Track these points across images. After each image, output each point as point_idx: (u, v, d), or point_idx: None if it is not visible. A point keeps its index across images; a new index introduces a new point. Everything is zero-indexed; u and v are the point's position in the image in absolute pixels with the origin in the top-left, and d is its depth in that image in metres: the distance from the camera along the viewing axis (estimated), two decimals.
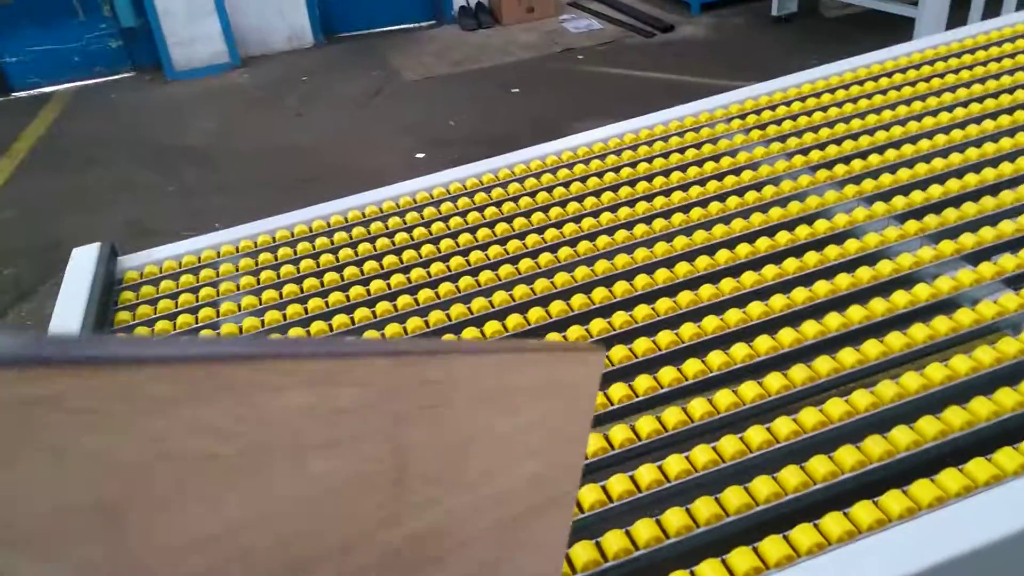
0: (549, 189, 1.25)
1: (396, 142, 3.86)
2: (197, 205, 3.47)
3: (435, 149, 3.72)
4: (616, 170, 1.27)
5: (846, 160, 1.19)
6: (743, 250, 1.01)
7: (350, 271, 1.12)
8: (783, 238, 1.02)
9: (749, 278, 0.96)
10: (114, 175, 3.84)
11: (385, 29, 5.56)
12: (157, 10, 4.88)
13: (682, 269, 1.00)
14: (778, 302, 0.91)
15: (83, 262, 1.21)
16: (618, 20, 5.18)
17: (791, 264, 0.97)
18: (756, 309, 0.90)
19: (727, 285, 0.95)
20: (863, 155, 1.19)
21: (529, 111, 4.02)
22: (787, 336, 0.85)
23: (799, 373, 0.80)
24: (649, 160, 1.28)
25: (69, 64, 5.18)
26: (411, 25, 5.60)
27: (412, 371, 0.21)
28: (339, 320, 1.01)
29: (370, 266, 1.13)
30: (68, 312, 1.07)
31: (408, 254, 1.14)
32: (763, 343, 0.85)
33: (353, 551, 0.20)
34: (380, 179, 3.39)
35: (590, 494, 0.71)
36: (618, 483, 0.71)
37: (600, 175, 1.26)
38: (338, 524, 0.19)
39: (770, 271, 0.96)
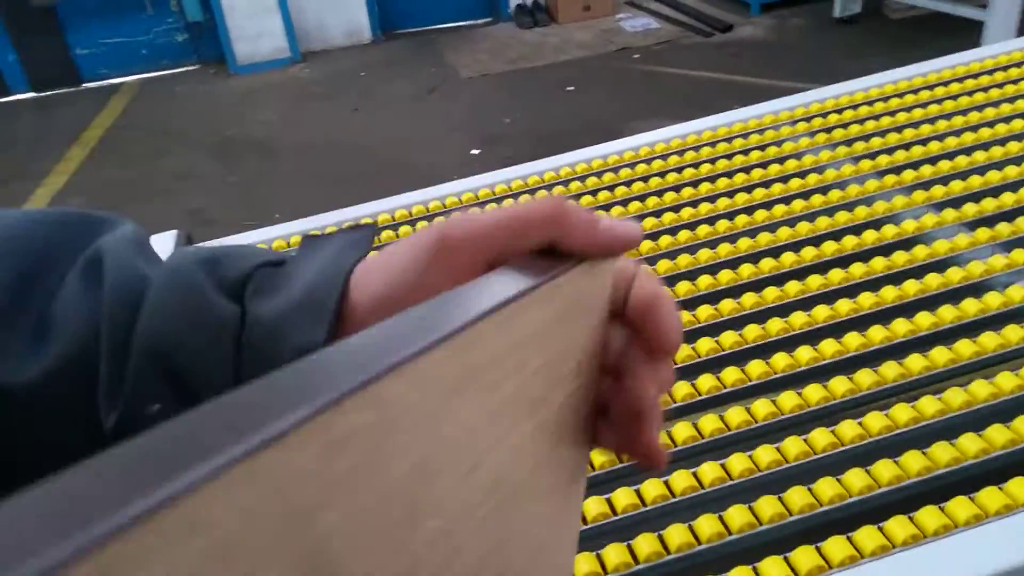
0: (610, 188, 1.26)
1: (451, 138, 3.90)
2: (256, 196, 3.56)
3: (490, 146, 3.75)
4: (678, 171, 1.28)
5: (915, 166, 1.17)
6: (808, 253, 1.01)
7: None
8: (850, 242, 1.02)
9: (815, 281, 0.96)
10: (177, 165, 3.97)
11: (442, 26, 5.62)
12: (222, 5, 5.01)
13: (746, 271, 1.00)
14: (844, 306, 0.91)
15: (161, 249, 1.26)
16: (676, 19, 5.15)
17: (858, 269, 0.97)
18: (822, 312, 0.90)
19: (792, 288, 0.95)
20: (932, 161, 1.17)
21: (584, 110, 4.03)
22: (853, 340, 0.85)
23: (865, 378, 0.80)
24: (712, 161, 1.29)
25: (137, 56, 5.36)
26: (467, 22, 5.64)
27: (328, 437, 0.15)
28: None
29: None
30: None
31: None
32: (829, 347, 0.85)
33: None
34: (434, 174, 3.45)
35: (653, 489, 0.72)
36: (681, 479, 0.73)
37: (662, 175, 1.27)
38: None
39: (836, 275, 0.96)
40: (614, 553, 0.67)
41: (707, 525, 0.68)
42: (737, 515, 0.68)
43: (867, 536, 0.64)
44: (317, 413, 0.14)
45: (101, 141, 4.35)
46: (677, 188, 1.23)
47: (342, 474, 0.15)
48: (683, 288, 0.99)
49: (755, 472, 0.73)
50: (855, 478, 0.69)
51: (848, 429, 0.75)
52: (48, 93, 5.22)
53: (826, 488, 0.69)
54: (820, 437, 0.75)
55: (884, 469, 0.70)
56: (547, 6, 5.48)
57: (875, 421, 0.75)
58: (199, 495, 0.12)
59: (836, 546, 0.64)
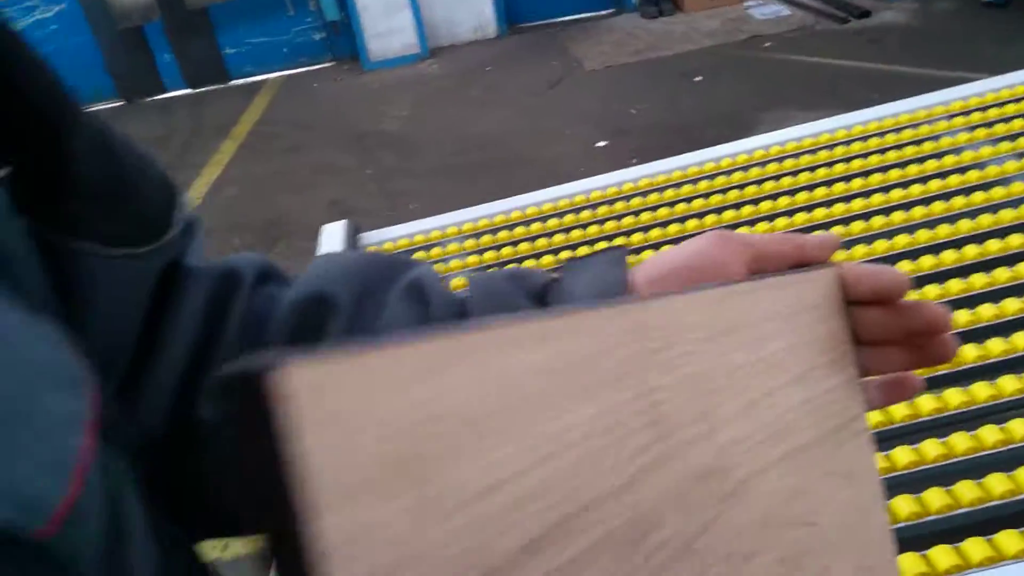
0: (740, 187, 1.28)
1: (576, 131, 3.95)
2: (392, 187, 3.73)
3: (616, 138, 3.78)
4: (829, 165, 1.28)
5: None
6: (971, 251, 1.00)
7: (565, 255, 1.22)
8: (1015, 240, 1.00)
9: (979, 280, 0.95)
10: (317, 158, 4.21)
11: (565, 18, 5.66)
12: (357, 5, 5.25)
13: (905, 267, 1.00)
14: (1012, 305, 0.90)
15: (333, 237, 1.38)
16: (808, 5, 4.98)
17: None
18: (987, 311, 0.90)
19: (955, 286, 0.95)
20: None
21: (712, 100, 3.97)
22: (1021, 339, 0.85)
23: None
24: (864, 156, 1.28)
25: (279, 55, 5.70)
26: (591, 14, 5.66)
27: (634, 318, 0.23)
28: None
29: (583, 251, 1.22)
30: None
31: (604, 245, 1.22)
32: (996, 345, 0.85)
33: (629, 490, 0.20)
34: (560, 167, 3.51)
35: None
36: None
37: (812, 170, 1.28)
38: (607, 469, 0.20)
39: (1002, 274, 0.95)
40: None
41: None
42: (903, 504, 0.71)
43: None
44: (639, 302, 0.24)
45: (249, 135, 4.67)
46: (829, 183, 1.23)
47: (658, 348, 0.23)
48: None
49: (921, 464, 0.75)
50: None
51: (1019, 427, 0.75)
52: (200, 90, 5.64)
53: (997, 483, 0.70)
54: (988, 434, 0.75)
55: None
56: None
57: None
58: (587, 314, 0.20)
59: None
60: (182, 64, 5.66)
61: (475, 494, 0.16)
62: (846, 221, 1.13)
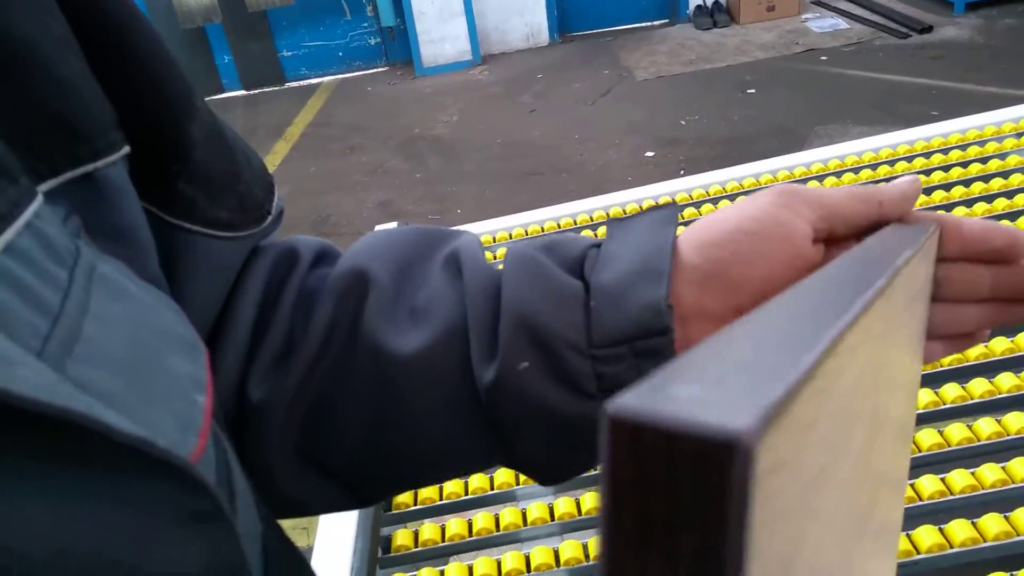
0: None
1: (625, 140, 3.94)
2: (440, 191, 3.76)
3: (664, 148, 3.75)
4: (889, 181, 1.25)
5: None
6: None
7: None
8: None
9: None
10: (368, 159, 4.26)
11: (618, 28, 5.65)
12: (413, 11, 5.32)
13: None
14: None
15: None
16: (868, 19, 4.89)
17: None
18: None
19: None
20: None
21: (765, 113, 3.92)
22: None
23: None
24: (927, 173, 1.25)
25: (334, 58, 5.79)
26: (644, 24, 5.64)
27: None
28: None
29: None
30: None
31: None
32: None
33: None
34: (608, 175, 3.50)
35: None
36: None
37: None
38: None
39: None
40: None
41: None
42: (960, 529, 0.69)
43: None
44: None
45: (302, 136, 4.76)
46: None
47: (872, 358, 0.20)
48: None
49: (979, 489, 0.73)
50: None
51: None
52: (257, 91, 5.76)
53: None
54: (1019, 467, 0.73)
55: None
56: (728, 6, 5.38)
57: None
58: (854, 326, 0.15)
59: None
60: (240, 65, 5.80)
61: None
62: None
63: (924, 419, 0.83)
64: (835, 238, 0.33)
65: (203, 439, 0.23)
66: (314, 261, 0.38)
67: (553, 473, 0.36)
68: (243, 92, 5.78)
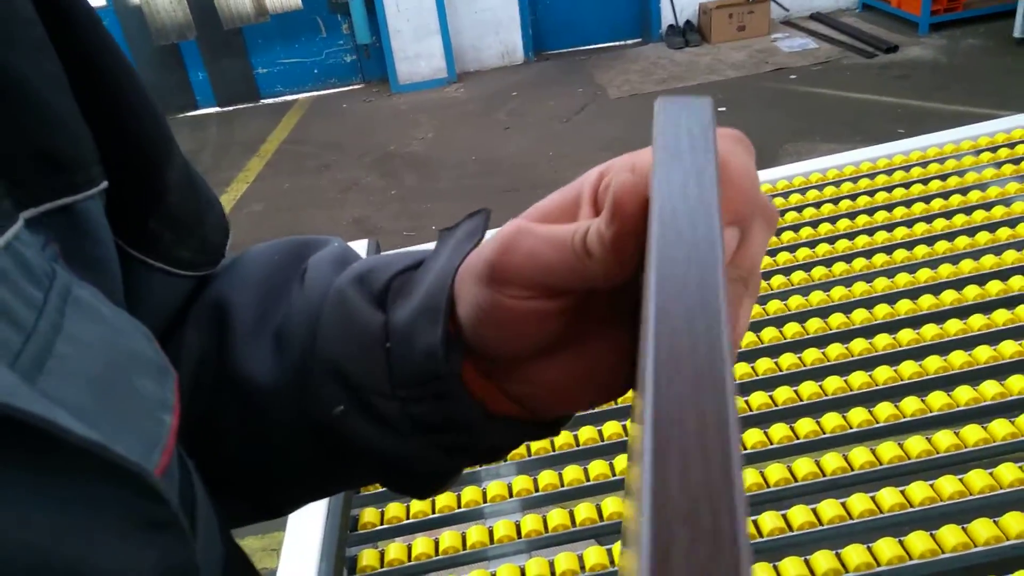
0: (781, 213, 1.28)
1: (599, 157, 3.90)
2: (415, 208, 3.76)
3: None
4: (853, 197, 1.27)
5: None
6: (994, 287, 0.99)
7: None
8: None
9: (1001, 316, 0.94)
10: (343, 177, 4.26)
11: (592, 47, 5.71)
12: (389, 29, 5.33)
13: (926, 302, 0.99)
14: None
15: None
16: (835, 39, 4.99)
17: None
18: (1009, 348, 0.89)
19: (977, 322, 0.94)
20: None
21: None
22: None
23: None
24: (889, 189, 1.27)
25: (309, 75, 5.79)
26: (617, 43, 5.71)
27: None
28: None
29: None
30: None
31: None
32: (1016, 382, 0.84)
33: None
34: None
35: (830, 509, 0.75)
36: (859, 502, 0.75)
37: (836, 202, 1.27)
38: None
39: None
40: None
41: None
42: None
43: None
44: None
45: (276, 153, 4.74)
46: (852, 215, 1.23)
47: None
48: (859, 316, 1.00)
49: (905, 507, 0.74)
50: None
51: (1008, 473, 0.74)
52: (231, 108, 5.74)
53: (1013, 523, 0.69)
54: (977, 479, 0.74)
55: None
56: (699, 26, 5.46)
57: None
58: None
59: None
60: (214, 82, 5.77)
61: None
62: (868, 254, 1.12)
63: (885, 432, 0.84)
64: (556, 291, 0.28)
65: (167, 456, 0.24)
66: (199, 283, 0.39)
67: (416, 491, 0.36)
68: (217, 109, 5.75)
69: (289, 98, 5.73)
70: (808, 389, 0.90)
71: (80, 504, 0.19)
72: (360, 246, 1.43)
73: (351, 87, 5.73)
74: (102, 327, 0.24)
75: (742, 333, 0.26)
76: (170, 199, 0.33)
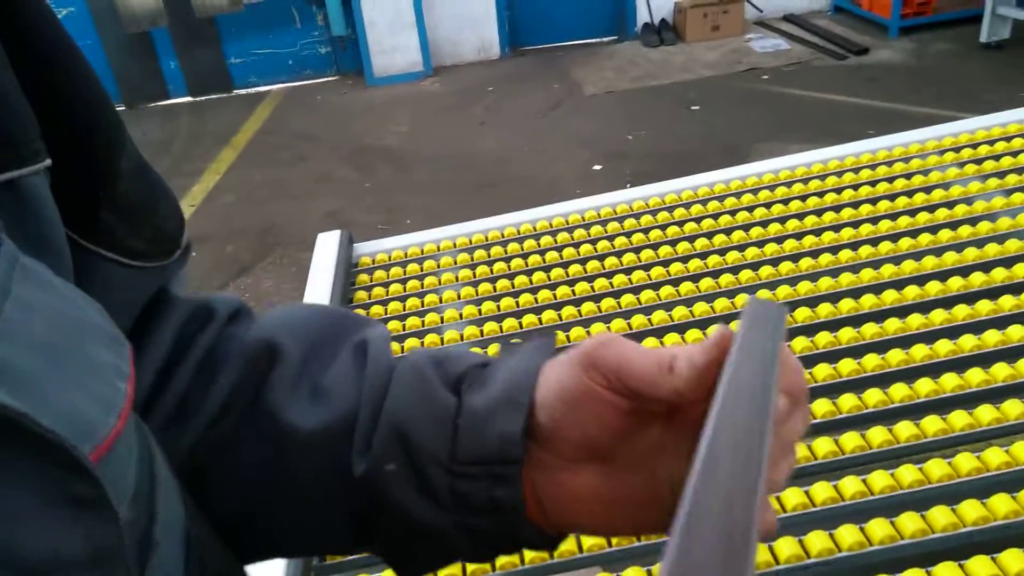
0: (732, 212, 1.30)
1: (574, 153, 3.98)
2: (390, 201, 3.75)
3: (611, 162, 3.81)
4: (821, 195, 1.30)
5: None
6: (955, 283, 1.02)
7: (556, 272, 1.23)
8: (999, 274, 1.02)
9: (961, 311, 0.96)
10: (316, 169, 4.23)
11: (568, 43, 5.72)
12: (364, 21, 5.30)
13: (890, 296, 1.02)
14: (992, 337, 0.91)
15: (327, 246, 1.39)
16: (807, 40, 5.05)
17: (1007, 301, 0.97)
18: (968, 342, 0.91)
19: (938, 316, 0.96)
20: None
21: (709, 129, 4.02)
22: (1001, 371, 0.86)
23: (1013, 408, 0.81)
24: (856, 187, 1.30)
25: (283, 67, 5.73)
26: (594, 40, 5.72)
27: None
28: (548, 315, 1.12)
29: (574, 269, 1.23)
30: (318, 287, 1.25)
31: (595, 263, 1.23)
32: (975, 375, 0.86)
33: None
34: (557, 187, 3.54)
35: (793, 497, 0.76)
36: (852, 484, 0.76)
37: (804, 199, 1.30)
38: None
39: (984, 306, 0.96)
40: None
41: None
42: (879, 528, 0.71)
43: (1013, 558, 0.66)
44: None
45: (249, 144, 4.69)
46: (819, 212, 1.25)
47: None
48: (825, 310, 1.02)
49: (896, 489, 0.76)
50: (1009, 501, 0.71)
51: (994, 456, 0.76)
52: (203, 98, 5.66)
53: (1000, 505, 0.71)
54: (965, 461, 0.76)
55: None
56: (674, 25, 5.50)
57: (1022, 451, 0.76)
58: None
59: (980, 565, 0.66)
60: (186, 71, 5.69)
61: None
62: (835, 250, 1.14)
63: (848, 424, 0.86)
64: (633, 392, 0.33)
65: (122, 421, 0.24)
66: (228, 319, 0.40)
67: (410, 567, 0.38)
68: (189, 99, 5.67)
69: (263, 89, 5.67)
70: None
71: (1, 478, 0.19)
72: (332, 237, 1.43)
73: (326, 79, 5.69)
74: (53, 296, 0.24)
75: (781, 485, 0.33)
76: (122, 187, 0.34)
